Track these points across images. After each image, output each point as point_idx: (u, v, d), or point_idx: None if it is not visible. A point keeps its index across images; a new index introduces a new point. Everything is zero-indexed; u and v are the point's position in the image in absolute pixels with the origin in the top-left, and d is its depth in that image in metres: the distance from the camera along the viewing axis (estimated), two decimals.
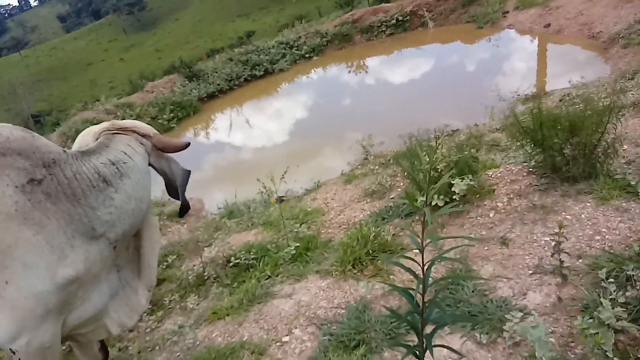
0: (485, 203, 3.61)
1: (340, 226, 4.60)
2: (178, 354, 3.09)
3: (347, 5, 18.25)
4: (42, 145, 1.89)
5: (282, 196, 6.57)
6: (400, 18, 15.53)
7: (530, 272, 2.75)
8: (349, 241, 3.64)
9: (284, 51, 15.57)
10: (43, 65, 74.03)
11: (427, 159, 1.76)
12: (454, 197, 3.54)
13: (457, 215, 3.72)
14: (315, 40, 15.85)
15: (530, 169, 3.66)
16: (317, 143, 9.60)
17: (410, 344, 1.93)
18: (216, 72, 14.16)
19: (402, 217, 4.14)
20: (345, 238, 3.76)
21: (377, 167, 6.04)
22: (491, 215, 3.47)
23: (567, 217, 3.07)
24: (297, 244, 3.96)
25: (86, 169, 1.96)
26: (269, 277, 3.77)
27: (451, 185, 3.55)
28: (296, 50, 15.63)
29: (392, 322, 2.67)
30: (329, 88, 13.80)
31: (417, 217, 4.02)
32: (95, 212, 1.91)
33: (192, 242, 5.28)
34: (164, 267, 4.72)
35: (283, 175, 4.46)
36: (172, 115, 11.91)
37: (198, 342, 3.14)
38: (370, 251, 3.50)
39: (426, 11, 15.29)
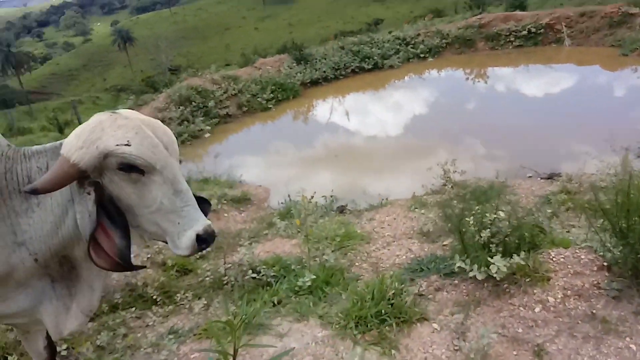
0: (535, 291, 2.94)
1: (377, 263, 4.15)
2: None
3: (477, 7, 16.94)
4: None
5: (344, 206, 6.24)
6: (534, 30, 14.02)
7: None
8: (363, 291, 3.20)
9: (398, 47, 14.91)
10: (188, 23, 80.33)
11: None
12: (494, 274, 2.93)
13: (497, 294, 3.10)
14: (434, 41, 14.94)
15: (604, 264, 2.91)
16: (404, 152, 9.03)
17: None
18: (324, 59, 13.98)
19: (441, 275, 3.58)
20: (363, 286, 3.33)
21: (452, 199, 5.41)
22: (536, 310, 2.81)
23: (632, 346, 2.35)
24: (314, 276, 3.60)
25: (20, 169, 1.82)
26: (275, 304, 3.48)
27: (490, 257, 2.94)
28: (412, 48, 14.87)
29: None
30: (439, 93, 12.97)
31: (456, 281, 3.45)
32: (17, 218, 1.79)
33: (233, 236, 5.17)
34: (197, 257, 4.65)
35: (330, 194, 4.09)
36: (271, 95, 11.98)
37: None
38: (381, 312, 3.04)
39: (565, 26, 13.62)
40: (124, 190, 1.75)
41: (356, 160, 8.88)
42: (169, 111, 10.58)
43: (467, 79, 13.78)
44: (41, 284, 1.94)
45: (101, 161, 1.67)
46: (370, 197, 6.40)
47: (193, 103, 10.93)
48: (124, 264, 1.75)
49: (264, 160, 9.30)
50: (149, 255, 4.39)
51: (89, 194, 1.70)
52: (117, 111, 1.81)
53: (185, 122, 10.31)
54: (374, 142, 10.02)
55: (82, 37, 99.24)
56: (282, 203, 6.36)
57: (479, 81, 13.49)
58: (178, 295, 3.83)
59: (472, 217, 3.07)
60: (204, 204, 1.98)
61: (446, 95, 12.84)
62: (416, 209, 5.47)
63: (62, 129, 14.19)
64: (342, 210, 6.02)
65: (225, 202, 6.19)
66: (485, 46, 14.93)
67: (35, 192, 1.62)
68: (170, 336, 3.21)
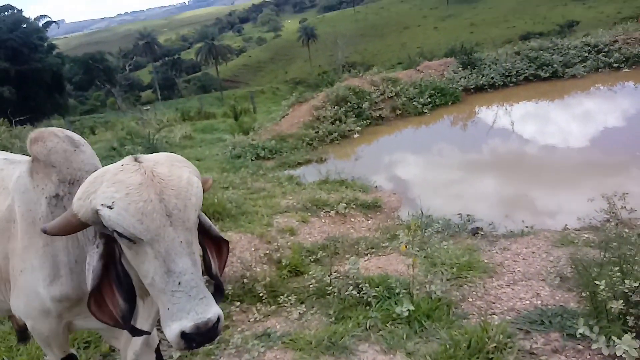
0: None
1: (493, 303, 3.69)
2: None
3: None
4: (77, 162, 1.91)
5: (479, 228, 5.72)
6: None
7: None
8: (460, 337, 2.86)
9: (586, 54, 13.01)
10: (368, 21, 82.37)
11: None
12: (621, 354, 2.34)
13: None
14: (635, 49, 12.68)
15: None
16: (569, 174, 7.88)
17: None
18: (495, 64, 12.93)
19: (564, 334, 3.02)
20: (460, 332, 2.97)
21: (612, 240, 4.55)
22: None
23: None
24: (412, 308, 3.34)
25: None
26: (367, 329, 3.32)
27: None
28: (603, 56, 12.85)
29: None
30: (632, 109, 11.03)
31: (581, 346, 2.86)
32: (87, 246, 1.87)
33: (351, 244, 5.13)
34: (311, 260, 4.73)
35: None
36: (429, 100, 11.51)
37: None
38: None
39: None
40: (125, 252, 1.58)
41: (510, 177, 8.05)
42: (325, 110, 10.94)
43: None
44: None
45: (97, 217, 1.50)
46: (512, 222, 5.74)
47: (348, 103, 11.13)
48: (124, 326, 1.64)
49: (406, 166, 9.03)
50: (267, 252, 4.60)
51: (97, 247, 1.59)
52: (139, 157, 1.60)
53: (337, 122, 10.56)
54: (536, 159, 8.97)
55: (274, 33, 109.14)
56: (413, 215, 6.09)
57: None
58: (282, 296, 3.93)
59: (603, 282, 2.50)
60: (217, 292, 1.76)
61: None
62: (562, 245, 4.73)
63: (237, 117, 15.77)
64: (475, 232, 5.51)
65: (354, 206, 6.16)
66: None
67: (45, 232, 1.59)
68: (259, 340, 3.29)
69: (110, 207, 1.45)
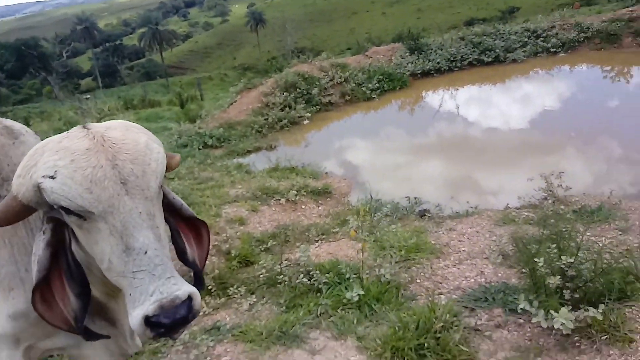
0: (611, 353, 2.42)
1: (440, 283, 3.78)
2: None
3: None
4: (18, 156, 1.64)
5: (426, 210, 5.84)
6: None
7: None
8: (408, 319, 2.91)
9: (526, 40, 13.49)
10: (317, 6, 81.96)
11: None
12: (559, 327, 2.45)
13: (563, 346, 2.61)
14: (570, 34, 13.26)
15: None
16: (509, 155, 8.18)
17: None
18: (441, 50, 13.17)
19: (506, 310, 3.13)
20: (408, 313, 3.03)
21: (549, 218, 4.76)
22: None
23: None
24: (362, 292, 3.37)
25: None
26: (318, 315, 3.32)
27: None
28: (542, 41, 13.36)
29: None
30: (567, 92, 11.55)
31: (521, 320, 2.98)
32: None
33: (302, 231, 5.10)
34: (262, 249, 4.67)
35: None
36: (377, 85, 11.58)
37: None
38: (423, 346, 2.73)
39: None
40: (77, 234, 1.37)
41: (456, 159, 8.27)
42: (274, 96, 10.79)
43: (606, 77, 12.10)
44: None
45: (39, 195, 1.29)
46: (457, 203, 5.91)
47: (298, 89, 11.03)
48: (76, 328, 1.42)
49: (356, 151, 9.10)
50: (215, 243, 4.50)
51: (43, 233, 1.38)
52: (87, 125, 1.41)
53: (287, 108, 10.45)
54: (480, 141, 9.26)
55: (221, 18, 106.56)
56: (362, 200, 6.13)
57: (619, 80, 11.78)
58: (232, 288, 3.86)
59: (542, 259, 2.60)
60: (196, 283, 1.59)
61: (576, 95, 11.40)
62: (504, 224, 4.91)
63: (184, 104, 15.30)
64: (422, 214, 5.63)
65: (305, 193, 6.13)
66: (633, 42, 12.94)
67: None
68: (208, 334, 3.22)
69: (52, 177, 1.25)
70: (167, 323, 1.22)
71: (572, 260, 2.55)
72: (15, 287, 1.62)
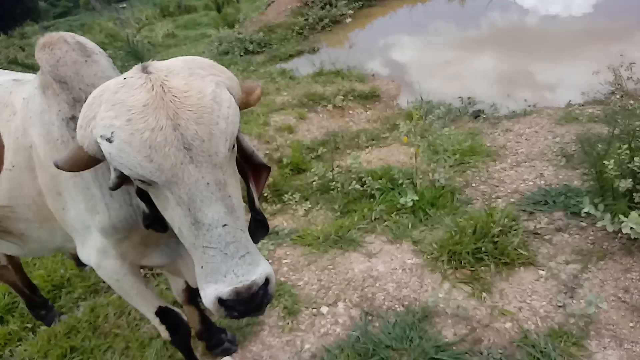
0: None
1: (497, 187, 3.70)
2: None
3: None
4: (89, 76, 1.55)
5: (480, 110, 5.60)
6: None
7: None
8: (465, 223, 2.89)
9: None
10: None
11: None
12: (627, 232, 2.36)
13: (630, 250, 2.54)
14: None
15: None
16: (577, 44, 7.50)
17: None
18: None
19: (567, 213, 3.05)
20: (464, 218, 3.00)
21: (618, 114, 4.45)
22: None
23: None
24: (416, 198, 3.35)
25: None
26: (372, 220, 3.37)
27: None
28: None
29: None
30: None
31: (584, 224, 2.91)
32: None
33: (351, 137, 5.05)
34: (312, 156, 4.68)
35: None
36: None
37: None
38: (480, 250, 2.74)
39: None
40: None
41: (511, 53, 7.70)
42: None
43: None
44: (174, 242, 1.77)
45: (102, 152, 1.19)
46: (514, 102, 5.60)
47: None
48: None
49: (403, 50, 8.63)
50: (267, 152, 4.53)
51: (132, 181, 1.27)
52: (148, 66, 1.20)
53: (328, 6, 9.85)
54: (537, 31, 8.50)
55: None
56: (411, 103, 5.92)
57: None
58: (286, 195, 3.94)
59: (612, 161, 2.44)
60: (260, 228, 1.50)
61: None
62: (566, 123, 4.65)
63: (220, 9, 14.75)
64: (476, 115, 5.39)
65: (352, 98, 5.97)
66: None
67: (57, 167, 1.29)
68: (268, 238, 3.35)
69: (109, 140, 1.11)
70: (243, 309, 1.17)
71: None
72: (102, 212, 1.62)
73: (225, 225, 1.14)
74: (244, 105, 1.34)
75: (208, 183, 1.13)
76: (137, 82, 1.14)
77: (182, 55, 1.32)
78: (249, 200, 1.48)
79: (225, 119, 1.16)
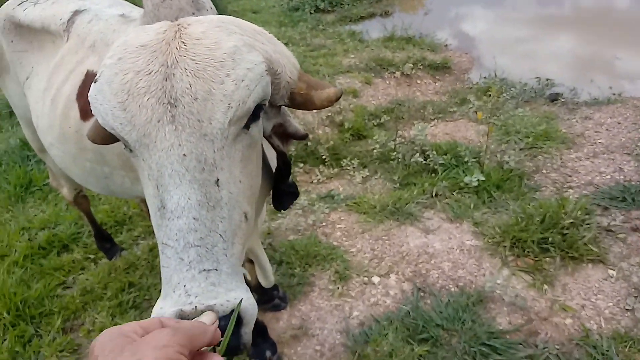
0: None
1: (570, 176, 3.48)
2: (293, 225, 3.12)
3: None
4: None
5: (558, 93, 5.25)
6: None
7: None
8: (533, 211, 2.74)
9: None
10: None
11: None
12: None
13: None
14: None
15: None
16: None
17: None
18: None
19: None
20: (532, 205, 2.85)
21: None
22: None
23: None
24: (482, 178, 3.21)
25: None
26: (433, 196, 3.26)
27: None
28: None
29: None
30: None
31: None
32: None
33: (417, 108, 4.88)
34: (375, 124, 4.57)
35: None
36: None
37: (318, 224, 3.11)
38: (547, 240, 2.59)
39: None
40: None
41: (593, 35, 7.11)
42: None
43: None
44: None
45: None
46: (597, 88, 5.20)
47: None
48: None
49: (477, 22, 8.17)
50: (329, 114, 4.47)
51: None
52: (187, 19, 0.99)
53: None
54: (628, 13, 7.84)
55: None
56: (484, 78, 5.62)
57: None
58: (345, 160, 3.89)
59: None
60: (289, 195, 1.32)
61: None
62: None
63: None
64: (554, 99, 5.06)
65: (421, 67, 5.74)
66: None
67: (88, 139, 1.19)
68: (323, 201, 3.33)
69: (95, 82, 0.92)
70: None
71: None
72: None
73: (194, 218, 0.83)
74: (303, 99, 1.10)
75: (185, 155, 0.86)
76: (158, 27, 0.96)
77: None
78: (282, 175, 1.30)
79: (238, 81, 0.88)
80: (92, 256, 3.07)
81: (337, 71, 5.50)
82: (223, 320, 0.78)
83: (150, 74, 0.88)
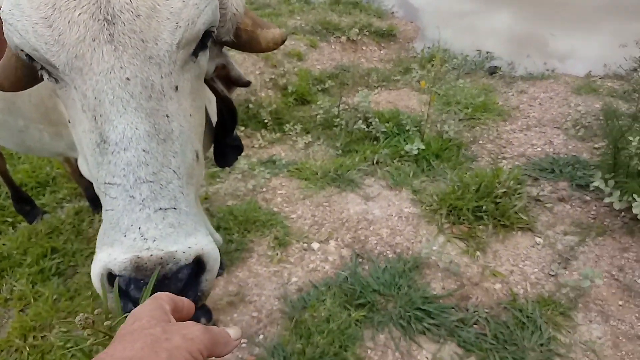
0: None
1: (504, 147, 3.60)
2: (231, 190, 3.03)
3: None
4: None
5: (497, 67, 5.39)
6: None
7: None
8: (469, 180, 2.81)
9: None
10: None
11: None
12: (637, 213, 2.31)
13: (631, 230, 2.51)
14: None
15: None
16: (597, 14, 7.20)
17: None
18: None
19: (572, 184, 2.99)
20: (468, 174, 2.92)
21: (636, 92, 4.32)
22: None
23: None
24: (424, 147, 3.24)
25: None
26: (374, 163, 3.27)
27: None
28: None
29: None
30: None
31: (588, 197, 2.86)
32: None
33: (362, 75, 4.84)
34: (319, 89, 4.49)
35: None
36: None
37: (258, 189, 3.03)
38: (481, 208, 2.68)
39: None
40: None
41: (532, 13, 7.33)
42: None
43: None
44: None
45: None
46: (533, 64, 5.39)
47: None
48: None
49: None
50: (272, 76, 4.33)
51: None
52: None
53: None
54: None
55: None
56: (428, 48, 5.66)
57: None
58: (288, 125, 3.80)
59: (637, 138, 2.34)
60: (231, 152, 1.25)
61: None
62: (584, 93, 4.50)
63: None
64: (492, 72, 5.19)
65: (367, 33, 5.68)
66: None
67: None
68: (264, 166, 3.25)
69: (11, 10, 0.77)
70: (131, 288, 0.68)
71: None
72: None
73: (144, 150, 0.72)
74: (248, 37, 1.02)
75: (128, 79, 0.75)
76: None
77: None
78: (226, 129, 1.22)
79: None
80: (9, 219, 2.83)
81: None
82: (186, 270, 0.70)
83: None
